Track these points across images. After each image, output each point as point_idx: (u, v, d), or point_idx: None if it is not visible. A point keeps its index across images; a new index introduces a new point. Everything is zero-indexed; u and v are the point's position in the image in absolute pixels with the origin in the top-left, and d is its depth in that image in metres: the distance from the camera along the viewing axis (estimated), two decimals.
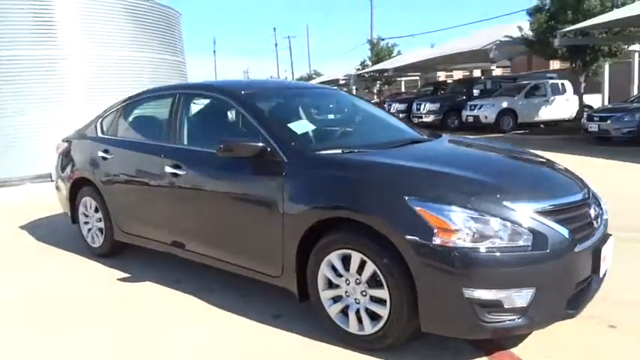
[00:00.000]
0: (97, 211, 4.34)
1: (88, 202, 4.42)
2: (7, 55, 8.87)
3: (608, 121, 11.34)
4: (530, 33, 14.81)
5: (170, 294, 3.60)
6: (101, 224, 4.31)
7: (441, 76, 32.27)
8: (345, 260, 2.61)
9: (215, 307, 3.31)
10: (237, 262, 3.23)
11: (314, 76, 48.04)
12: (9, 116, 8.81)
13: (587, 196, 2.69)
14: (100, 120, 4.48)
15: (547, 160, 3.16)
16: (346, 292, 2.65)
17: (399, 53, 28.59)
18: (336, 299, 2.70)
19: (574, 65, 14.37)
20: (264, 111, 3.28)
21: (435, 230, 2.27)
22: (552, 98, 16.29)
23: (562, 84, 16.56)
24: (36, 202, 7.16)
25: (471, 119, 16.39)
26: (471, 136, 8.96)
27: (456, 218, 2.29)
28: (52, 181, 8.91)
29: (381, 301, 2.51)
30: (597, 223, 2.64)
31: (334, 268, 2.67)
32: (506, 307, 2.27)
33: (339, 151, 2.97)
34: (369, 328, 2.56)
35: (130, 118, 4.32)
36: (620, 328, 2.79)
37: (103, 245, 4.36)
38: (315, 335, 2.82)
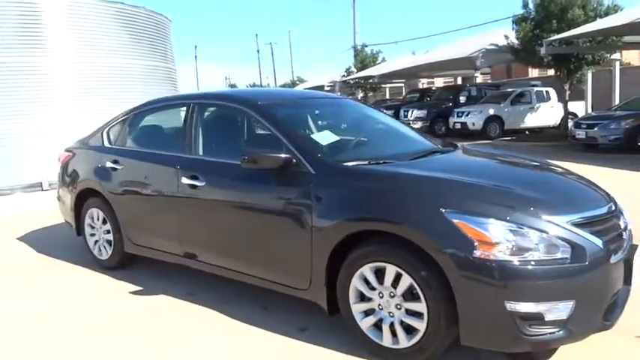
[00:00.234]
0: (104, 222, 4.24)
1: (95, 214, 4.32)
2: None
3: (595, 129, 11.57)
4: (516, 41, 15.06)
5: (186, 307, 3.53)
6: (109, 236, 4.21)
7: (424, 83, 32.62)
8: (379, 273, 2.60)
9: (236, 320, 3.25)
10: (259, 274, 3.18)
11: (297, 82, 48.01)
12: None
13: (614, 207, 2.72)
14: (106, 130, 4.38)
15: (571, 171, 3.19)
16: (379, 305, 2.63)
17: (383, 60, 28.77)
18: (368, 312, 2.68)
19: (559, 73, 14.65)
20: (286, 122, 3.24)
21: (476, 243, 2.27)
22: (537, 105, 16.58)
23: (546, 91, 16.87)
24: (30, 213, 7.00)
25: (458, 126, 16.57)
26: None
27: (496, 231, 2.29)
28: (44, 190, 8.76)
29: (417, 314, 2.49)
30: (626, 234, 2.67)
31: (367, 281, 2.64)
32: (547, 319, 2.27)
33: (365, 162, 2.95)
34: (404, 342, 2.54)
35: (140, 128, 4.24)
36: None
37: (111, 258, 4.26)
38: (345, 349, 2.79)
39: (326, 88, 31.54)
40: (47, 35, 9.11)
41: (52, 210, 6.81)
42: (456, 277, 2.30)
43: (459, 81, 26.70)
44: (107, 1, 9.73)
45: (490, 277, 2.25)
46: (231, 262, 3.33)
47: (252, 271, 3.21)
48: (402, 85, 30.46)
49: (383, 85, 30.57)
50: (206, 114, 3.63)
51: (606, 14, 13.56)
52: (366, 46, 30.50)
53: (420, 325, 2.47)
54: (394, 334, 2.58)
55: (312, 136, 3.19)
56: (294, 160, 2.92)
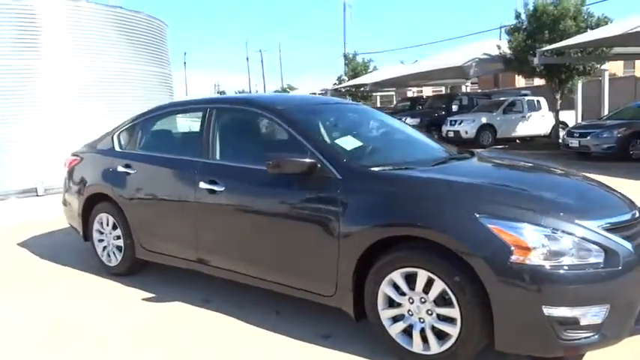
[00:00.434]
0: (114, 228, 4.17)
1: (104, 219, 4.25)
2: None
3: (588, 137, 11.74)
4: (508, 51, 15.27)
5: (202, 313, 3.48)
6: (120, 242, 4.14)
7: (414, 91, 32.89)
8: (409, 278, 2.58)
9: (257, 327, 3.21)
10: (281, 280, 3.15)
11: (287, 90, 48.07)
12: None
13: (639, 213, 2.75)
14: (116, 134, 4.32)
15: (592, 178, 3.22)
16: (409, 310, 2.61)
17: (375, 69, 28.95)
18: (397, 318, 2.66)
19: (551, 83, 14.86)
20: (308, 127, 3.23)
21: (512, 248, 2.27)
22: (529, 114, 16.80)
23: (537, 101, 17.12)
24: (27, 219, 6.86)
25: (451, 134, 16.70)
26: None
27: (532, 236, 2.30)
28: (39, 196, 8.61)
29: (449, 320, 2.48)
30: None
31: (396, 287, 2.63)
32: (582, 324, 2.28)
33: (390, 167, 2.95)
34: (435, 348, 2.53)
35: (154, 132, 4.19)
36: None
37: (120, 264, 4.18)
38: (373, 356, 2.76)
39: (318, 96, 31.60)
40: (44, 39, 8.99)
41: (50, 215, 6.73)
42: (493, 282, 2.30)
43: (446, 90, 27.05)
44: (106, 6, 9.65)
45: (527, 281, 2.25)
46: (251, 268, 3.29)
47: (273, 277, 3.18)
48: (393, 93, 30.68)
49: (374, 94, 30.71)
50: (225, 119, 3.59)
51: (597, 25, 13.81)
52: (356, 54, 30.69)
53: (453, 331, 2.46)
54: (424, 339, 2.57)
55: (336, 141, 3.18)
56: (319, 165, 2.90)
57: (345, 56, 31.06)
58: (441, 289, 2.47)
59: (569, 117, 17.06)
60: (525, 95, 18.01)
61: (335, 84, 30.18)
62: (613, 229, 2.45)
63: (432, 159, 3.29)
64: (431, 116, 18.65)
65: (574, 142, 12.13)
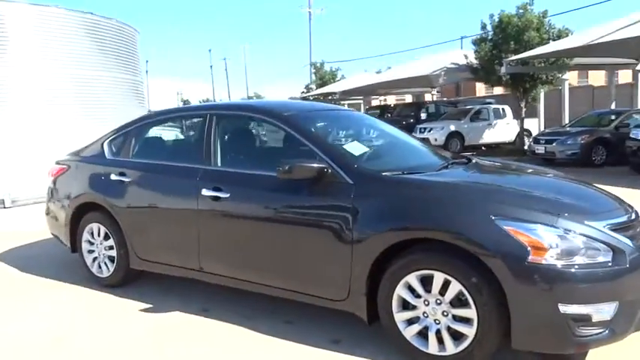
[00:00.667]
0: (106, 238, 4.06)
1: (95, 229, 4.12)
2: None
3: (554, 144, 12.22)
4: (475, 61, 15.75)
5: (205, 323, 3.43)
6: (112, 252, 4.03)
7: (381, 100, 33.40)
8: (424, 280, 2.63)
9: (265, 335, 3.18)
10: (290, 286, 3.14)
11: (254, 98, 47.93)
12: None
13: (636, 214, 2.89)
14: (107, 141, 4.22)
15: (587, 181, 3.36)
16: (424, 312, 2.66)
17: (342, 77, 29.27)
18: (411, 321, 2.70)
19: (517, 92, 15.40)
20: (314, 132, 3.25)
21: (529, 248, 2.36)
22: (495, 122, 17.33)
23: (503, 109, 17.69)
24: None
25: None
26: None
27: (546, 236, 2.39)
28: (6, 207, 8.25)
29: (465, 320, 2.54)
30: None
31: (411, 289, 2.67)
32: (594, 320, 2.37)
33: (399, 172, 3.00)
34: (452, 348, 2.58)
35: (150, 139, 4.11)
36: None
37: (113, 275, 4.07)
38: (385, 358, 2.79)
39: None
40: (12, 45, 8.69)
41: (22, 227, 6.49)
42: (510, 282, 2.37)
43: (410, 98, 27.59)
44: (77, 11, 9.41)
45: (544, 280, 2.33)
46: (257, 275, 3.27)
47: (282, 283, 3.17)
48: (361, 101, 31.02)
49: (342, 102, 31.00)
50: (228, 125, 3.57)
51: (558, 37, 14.44)
52: (322, 63, 30.95)
53: (469, 331, 2.52)
54: (440, 340, 2.61)
55: (344, 146, 3.21)
56: (330, 171, 2.92)
57: (314, 65, 31.27)
58: (458, 291, 2.53)
59: (533, 125, 17.69)
60: (490, 104, 18.59)
61: (303, 92, 30.30)
62: (618, 229, 2.57)
63: (435, 164, 3.37)
64: (400, 124, 18.92)
65: (540, 149, 12.59)
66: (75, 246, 4.32)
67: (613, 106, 14.87)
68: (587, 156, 11.81)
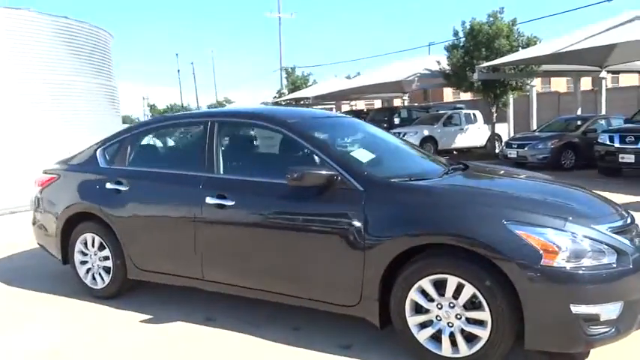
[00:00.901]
0: (101, 248, 3.97)
1: (89, 239, 4.02)
2: None
3: (525, 149, 12.61)
4: (448, 67, 16.11)
5: (210, 332, 3.39)
6: (107, 263, 3.94)
7: (353, 105, 33.68)
8: (438, 284, 2.69)
9: (273, 342, 3.18)
10: (299, 293, 3.15)
11: (225, 103, 47.53)
12: None
13: (632, 218, 3.02)
14: (100, 149, 4.12)
15: (582, 186, 3.49)
16: (437, 316, 2.71)
17: (314, 82, 29.41)
18: (424, 324, 2.75)
19: (488, 98, 15.83)
20: (321, 140, 3.28)
21: (541, 252, 2.45)
22: (466, 127, 17.74)
23: (474, 114, 18.13)
24: None
25: None
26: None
27: (557, 240, 2.48)
28: None
29: (478, 323, 2.61)
30: None
31: (424, 293, 2.72)
32: (602, 319, 2.48)
33: (406, 178, 3.06)
34: (465, 350, 2.64)
35: (147, 147, 4.04)
36: None
37: (109, 286, 3.97)
38: None
39: None
40: None
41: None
42: (524, 285, 2.45)
43: (379, 104, 27.89)
44: (50, 15, 9.16)
45: (557, 282, 2.42)
46: (264, 283, 3.26)
47: (290, 290, 3.17)
48: (333, 107, 31.23)
49: (315, 107, 31.16)
50: (231, 132, 3.55)
51: (527, 44, 14.94)
52: (293, 68, 31.05)
53: (483, 333, 2.59)
54: (453, 343, 2.68)
55: (351, 153, 3.25)
56: (339, 178, 2.96)
57: (285, 69, 31.30)
58: (471, 294, 2.60)
59: (502, 129, 18.21)
60: (462, 109, 19.03)
61: (275, 97, 30.27)
62: (619, 232, 2.70)
63: (436, 170, 3.44)
64: None
65: (512, 153, 12.96)
66: (66, 257, 4.20)
67: (579, 112, 15.41)
68: (557, 160, 12.22)
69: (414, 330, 2.77)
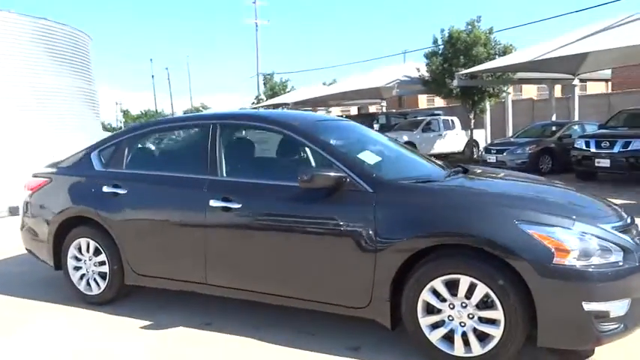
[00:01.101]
0: (97, 253, 3.86)
1: (84, 244, 3.91)
2: None
3: (504, 154, 12.87)
4: (427, 74, 16.36)
5: (212, 336, 3.34)
6: (104, 268, 3.84)
7: (330, 111, 33.81)
8: (450, 284, 2.71)
9: (278, 345, 3.15)
10: (307, 296, 3.13)
11: (201, 109, 47.09)
12: None
13: (631, 218, 3.11)
14: (96, 152, 4.03)
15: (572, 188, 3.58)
16: (449, 316, 2.73)
17: (292, 88, 29.42)
18: (437, 324, 2.77)
19: (466, 104, 16.13)
20: (329, 142, 3.27)
21: (553, 251, 2.49)
22: (445, 133, 18.01)
23: (452, 120, 18.43)
24: None
25: None
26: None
27: (568, 239, 2.54)
28: None
29: (491, 322, 2.64)
30: None
31: (436, 294, 2.74)
32: (611, 316, 2.54)
33: (414, 180, 3.08)
34: (478, 349, 2.67)
35: (146, 150, 3.96)
36: None
37: (104, 292, 3.87)
38: None
39: None
40: None
41: None
42: (537, 284, 2.49)
43: (355, 110, 28.03)
44: (30, 17, 8.93)
45: (569, 281, 2.47)
46: (273, 286, 3.23)
47: (299, 293, 3.15)
48: (310, 110, 31.27)
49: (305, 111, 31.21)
50: (235, 135, 3.52)
51: (504, 52, 15.29)
52: (272, 74, 31.01)
53: (496, 332, 2.62)
54: (466, 342, 2.70)
55: (358, 156, 3.26)
56: (348, 180, 2.96)
57: (263, 75, 31.24)
58: (484, 293, 2.63)
59: (480, 135, 18.56)
60: (439, 115, 19.32)
61: (254, 103, 30.16)
62: (623, 231, 2.77)
63: (440, 172, 3.48)
64: None
65: (491, 158, 13.21)
66: (59, 263, 4.08)
67: (554, 118, 15.83)
68: (534, 164, 12.50)
69: (426, 330, 2.78)
